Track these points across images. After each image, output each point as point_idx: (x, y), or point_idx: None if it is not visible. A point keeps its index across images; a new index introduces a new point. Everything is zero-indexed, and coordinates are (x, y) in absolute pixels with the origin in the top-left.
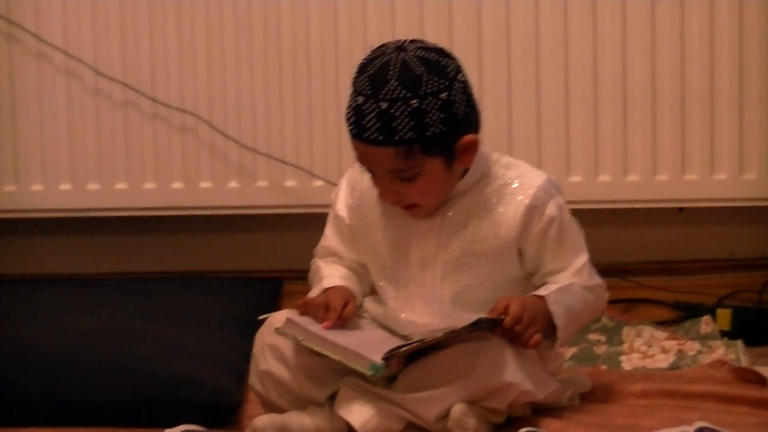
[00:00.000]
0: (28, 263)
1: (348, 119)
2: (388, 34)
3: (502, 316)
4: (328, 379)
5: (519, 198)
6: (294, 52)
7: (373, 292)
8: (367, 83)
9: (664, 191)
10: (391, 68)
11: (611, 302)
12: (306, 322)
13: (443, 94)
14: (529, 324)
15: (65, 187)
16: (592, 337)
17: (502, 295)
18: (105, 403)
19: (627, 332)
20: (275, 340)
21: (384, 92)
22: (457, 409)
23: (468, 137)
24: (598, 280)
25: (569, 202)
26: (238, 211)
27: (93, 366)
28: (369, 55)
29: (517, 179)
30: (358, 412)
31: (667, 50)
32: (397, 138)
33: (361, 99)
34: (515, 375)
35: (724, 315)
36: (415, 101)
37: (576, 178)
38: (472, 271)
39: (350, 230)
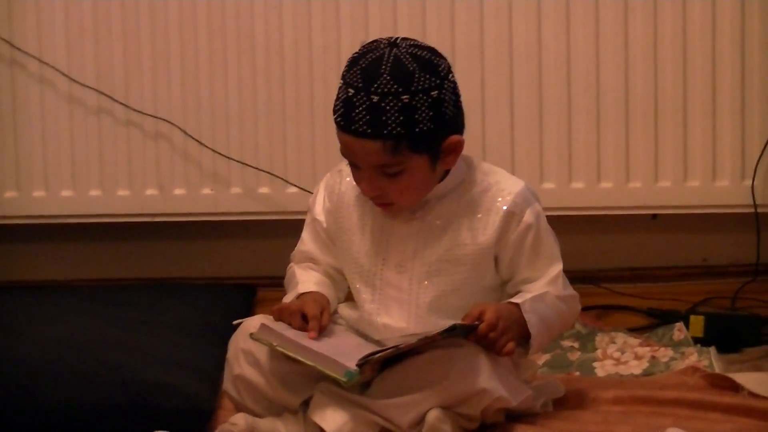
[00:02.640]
0: (1, 270)
1: (336, 111)
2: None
3: (477, 323)
4: (302, 386)
5: (497, 204)
6: (267, 59)
7: (348, 298)
8: (359, 76)
9: (637, 198)
10: (384, 63)
11: (585, 309)
12: (280, 327)
13: (434, 92)
14: (504, 331)
15: (38, 194)
16: (566, 343)
17: (478, 302)
18: (79, 411)
19: (600, 339)
20: (249, 345)
21: (376, 86)
22: (433, 415)
23: (454, 138)
24: (571, 290)
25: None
26: (211, 218)
27: (66, 374)
28: (361, 50)
29: (495, 185)
30: (331, 419)
31: (640, 57)
32: (386, 132)
33: (351, 91)
34: (489, 381)
35: (697, 322)
36: (406, 97)
37: (549, 185)
38: (449, 277)
39: (327, 234)
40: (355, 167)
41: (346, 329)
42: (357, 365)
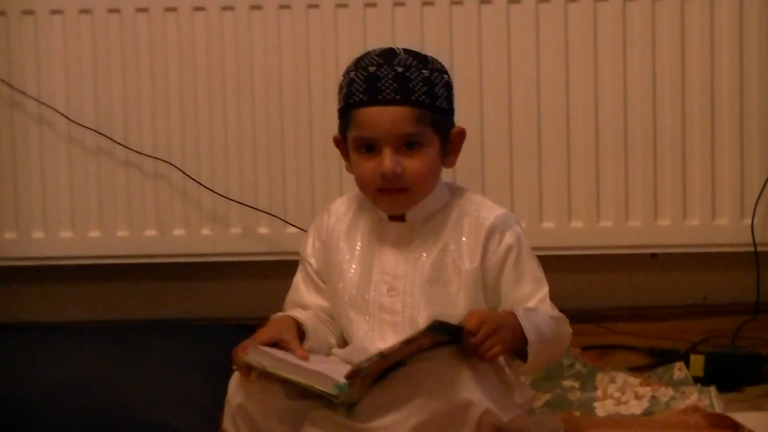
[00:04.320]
0: (0, 312)
1: (356, 91)
2: None
3: (462, 325)
4: (300, 421)
5: (479, 227)
6: (266, 100)
7: (341, 344)
8: (376, 57)
9: (636, 237)
10: (396, 49)
11: (585, 348)
12: (271, 349)
13: (446, 75)
14: (487, 336)
15: (38, 235)
16: (566, 383)
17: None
18: None
19: (601, 378)
20: (249, 381)
21: (397, 60)
22: None
23: (461, 128)
24: (559, 312)
25: (542, 249)
26: (211, 259)
27: (67, 413)
28: (362, 54)
29: (476, 210)
30: None
31: (638, 95)
32: (413, 98)
33: (373, 68)
34: (474, 393)
35: (698, 361)
36: (426, 71)
37: (549, 224)
38: (439, 299)
39: (318, 275)
40: (372, 151)
41: (339, 360)
42: (346, 377)
